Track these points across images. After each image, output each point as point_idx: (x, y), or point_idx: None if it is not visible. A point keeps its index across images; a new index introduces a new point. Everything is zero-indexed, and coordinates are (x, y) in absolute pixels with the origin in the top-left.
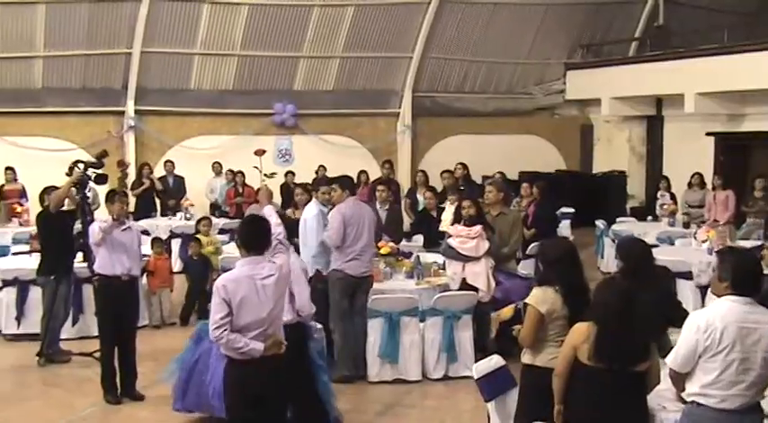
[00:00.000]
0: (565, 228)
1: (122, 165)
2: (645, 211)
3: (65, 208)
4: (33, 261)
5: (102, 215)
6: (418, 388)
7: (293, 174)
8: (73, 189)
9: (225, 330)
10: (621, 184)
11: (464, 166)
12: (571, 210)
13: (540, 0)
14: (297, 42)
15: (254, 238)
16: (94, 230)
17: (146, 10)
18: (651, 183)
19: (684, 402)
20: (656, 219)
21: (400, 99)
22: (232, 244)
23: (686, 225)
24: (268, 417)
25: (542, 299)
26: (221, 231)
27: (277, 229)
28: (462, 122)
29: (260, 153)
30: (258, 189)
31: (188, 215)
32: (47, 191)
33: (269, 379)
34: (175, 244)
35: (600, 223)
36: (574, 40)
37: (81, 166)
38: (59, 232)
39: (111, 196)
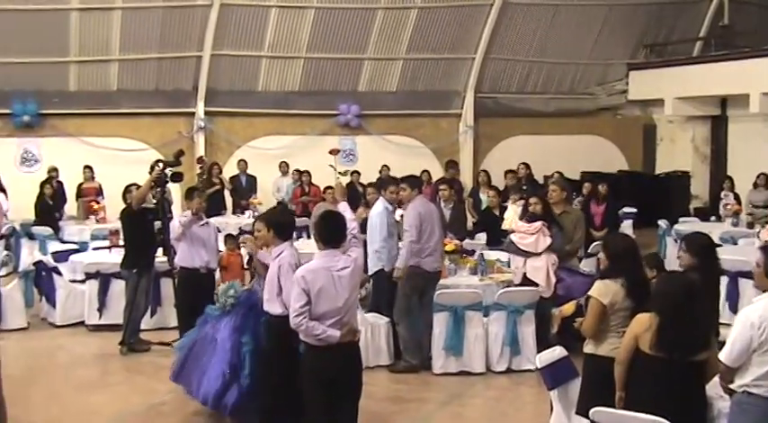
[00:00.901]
0: (627, 227)
1: (201, 162)
2: (708, 212)
3: (146, 205)
4: (114, 255)
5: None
6: (482, 380)
7: (358, 173)
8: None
9: (304, 318)
10: (685, 184)
11: (527, 166)
12: (633, 210)
13: (602, 0)
14: (361, 44)
15: (330, 232)
16: (175, 225)
17: (216, 14)
18: (715, 183)
19: (730, 394)
20: (719, 219)
21: (462, 100)
22: (300, 240)
23: (750, 225)
24: (342, 400)
25: (605, 291)
26: None
27: (351, 224)
28: (524, 123)
29: (334, 152)
30: (326, 188)
31: (256, 213)
32: (129, 189)
33: (344, 364)
34: None
35: (662, 223)
36: (637, 40)
37: (161, 165)
38: (141, 228)
39: (189, 193)
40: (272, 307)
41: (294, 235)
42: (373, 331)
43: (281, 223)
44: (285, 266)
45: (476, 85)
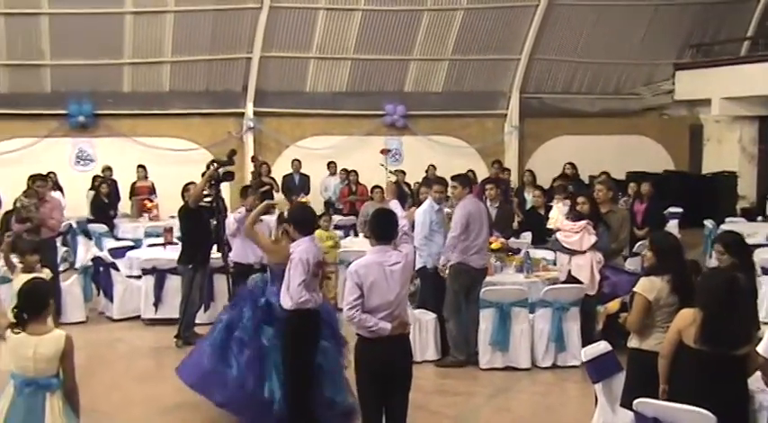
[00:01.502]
0: (673, 227)
1: (256, 160)
2: (755, 212)
3: (203, 203)
4: (168, 252)
5: None
6: (527, 375)
7: (404, 173)
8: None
9: (357, 310)
10: (731, 184)
11: (573, 166)
12: (679, 210)
13: (649, 0)
14: (407, 46)
15: (383, 228)
16: (230, 222)
17: (265, 17)
18: (762, 183)
19: None
20: (766, 219)
21: (508, 100)
22: (348, 238)
23: None
24: (393, 390)
25: (650, 287)
26: (335, 227)
27: (402, 221)
28: (569, 123)
29: (385, 152)
30: (374, 187)
31: None
32: (186, 187)
33: (395, 355)
34: None
35: (709, 223)
36: (684, 40)
37: (215, 164)
38: (197, 225)
39: (244, 191)
40: (284, 302)
41: (401, 234)
42: (421, 327)
43: (300, 219)
44: (295, 260)
45: (521, 85)
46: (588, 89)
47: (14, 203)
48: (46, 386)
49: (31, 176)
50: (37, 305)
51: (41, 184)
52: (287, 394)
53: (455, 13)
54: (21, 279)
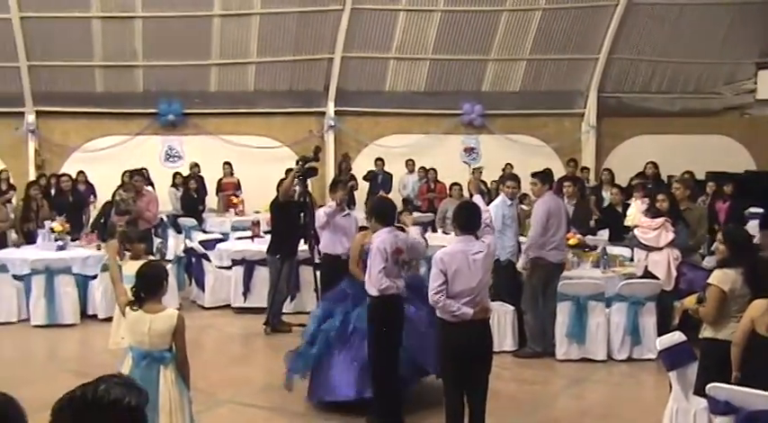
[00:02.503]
0: (753, 227)
1: (347, 158)
2: None
3: (292, 198)
4: (256, 244)
5: None
6: (603, 367)
7: (480, 171)
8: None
9: (441, 296)
10: None
11: (654, 165)
12: (760, 210)
13: None
14: (485, 46)
15: (467, 220)
16: (320, 215)
17: (347, 18)
18: None
19: None
20: None
21: (585, 99)
22: (427, 234)
23: None
24: (474, 371)
25: (724, 279)
26: (414, 224)
27: (485, 214)
28: (647, 122)
29: (469, 150)
30: (452, 184)
31: None
32: (281, 182)
33: (476, 338)
34: None
35: None
36: (766, 39)
37: (302, 160)
38: (286, 218)
39: (334, 185)
40: (369, 288)
41: (483, 226)
42: (499, 318)
43: (379, 210)
44: (374, 249)
45: (599, 84)
46: (668, 88)
47: (113, 196)
48: (160, 359)
49: (127, 171)
50: (153, 286)
51: (139, 178)
52: (372, 376)
53: (533, 13)
54: (129, 265)
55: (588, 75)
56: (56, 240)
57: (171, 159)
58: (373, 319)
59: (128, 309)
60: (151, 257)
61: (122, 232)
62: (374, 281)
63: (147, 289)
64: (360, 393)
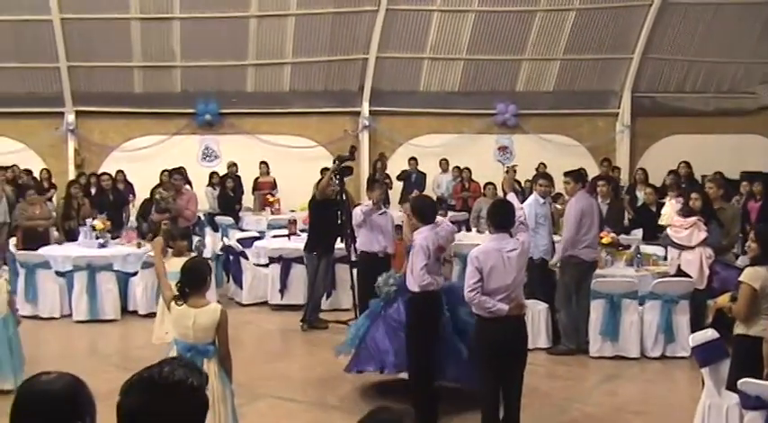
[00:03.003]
0: None
1: (383, 158)
2: None
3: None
4: (293, 242)
5: None
6: (637, 364)
7: (514, 170)
8: None
9: (477, 293)
10: None
11: (688, 165)
12: None
13: None
14: (519, 46)
15: (501, 218)
16: (357, 213)
17: (381, 19)
18: None
19: None
20: None
21: (619, 99)
22: (462, 233)
23: None
24: (509, 366)
25: (755, 276)
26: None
27: (518, 212)
28: (682, 122)
29: (503, 149)
30: (486, 184)
31: None
32: (319, 182)
33: (511, 334)
34: None
35: None
36: None
37: (339, 159)
38: (323, 216)
39: (371, 184)
40: (410, 284)
41: (517, 223)
42: (533, 316)
43: (420, 208)
44: (416, 247)
45: (633, 84)
46: (702, 88)
47: (152, 194)
48: (204, 352)
49: (165, 170)
50: (197, 281)
51: (178, 177)
52: (410, 370)
53: (568, 13)
54: (173, 262)
55: (622, 74)
56: (97, 238)
57: (208, 159)
58: (411, 314)
59: (173, 303)
60: (193, 254)
61: (166, 230)
62: (416, 277)
63: (192, 284)
64: (399, 366)
